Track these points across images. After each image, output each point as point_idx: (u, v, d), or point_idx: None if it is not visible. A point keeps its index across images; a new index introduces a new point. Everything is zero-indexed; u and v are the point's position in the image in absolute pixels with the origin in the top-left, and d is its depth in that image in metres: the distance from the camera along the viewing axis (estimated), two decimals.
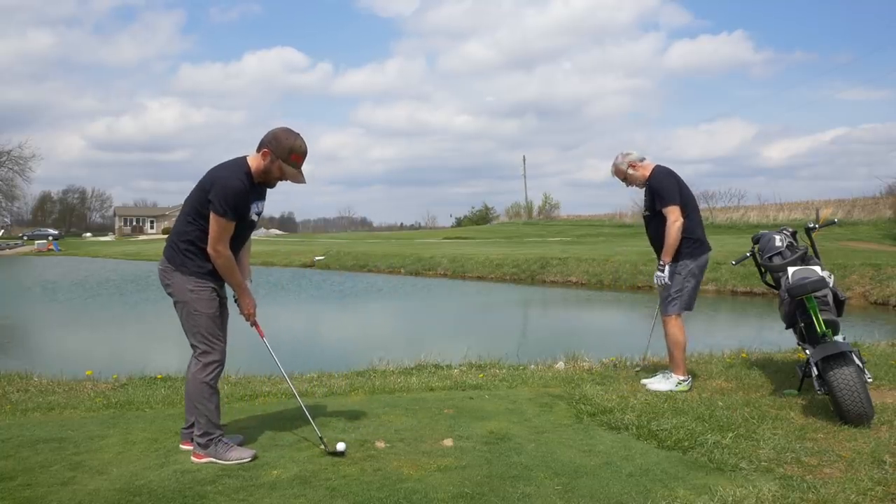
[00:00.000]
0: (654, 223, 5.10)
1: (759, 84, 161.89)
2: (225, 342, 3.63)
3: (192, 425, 3.57)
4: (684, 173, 5.14)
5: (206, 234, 3.43)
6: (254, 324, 3.74)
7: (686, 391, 4.95)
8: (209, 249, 3.43)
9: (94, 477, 3.28)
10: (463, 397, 4.83)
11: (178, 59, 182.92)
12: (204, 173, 3.58)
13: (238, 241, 3.57)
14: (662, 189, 4.99)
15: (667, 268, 4.95)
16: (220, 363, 3.56)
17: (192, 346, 3.55)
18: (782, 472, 3.24)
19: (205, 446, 3.47)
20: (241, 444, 3.66)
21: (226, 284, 3.65)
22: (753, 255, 5.22)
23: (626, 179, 5.21)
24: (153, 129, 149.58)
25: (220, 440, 3.49)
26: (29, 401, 5.11)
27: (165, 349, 11.50)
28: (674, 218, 4.88)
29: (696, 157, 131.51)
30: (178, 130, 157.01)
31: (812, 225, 5.10)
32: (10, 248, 55.61)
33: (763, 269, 5.13)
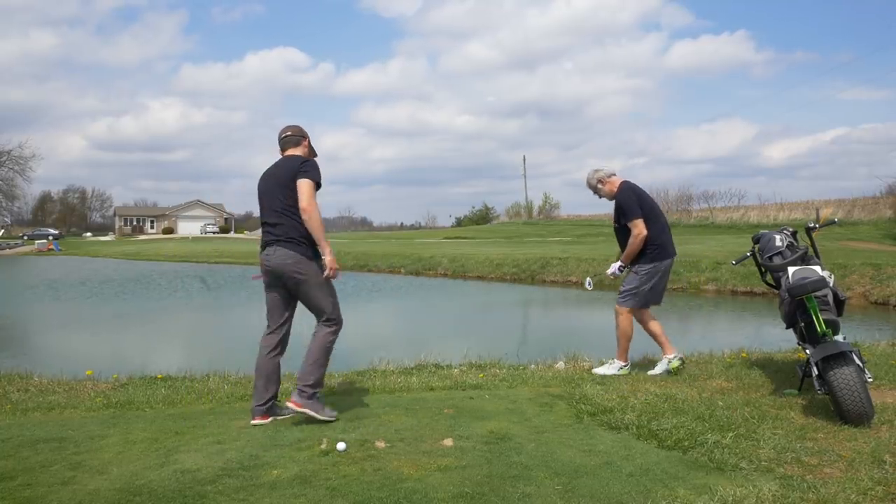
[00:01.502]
0: (622, 234, 5.66)
1: (760, 84, 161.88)
2: None
3: (268, 401, 4.12)
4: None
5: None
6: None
7: (626, 374, 5.58)
8: (308, 209, 4.04)
9: (94, 477, 3.28)
10: (463, 397, 4.83)
11: (180, 59, 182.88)
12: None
13: None
14: (625, 205, 5.55)
15: (616, 265, 5.69)
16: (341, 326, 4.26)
17: (325, 314, 4.18)
18: (782, 472, 3.24)
19: (309, 397, 4.05)
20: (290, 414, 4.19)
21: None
22: (754, 254, 5.22)
23: (597, 193, 5.75)
24: (154, 129, 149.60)
25: (316, 395, 4.09)
26: (29, 400, 5.12)
27: (166, 349, 11.50)
28: (637, 231, 5.46)
29: (697, 156, 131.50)
30: (179, 130, 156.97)
31: (812, 225, 5.10)
32: (10, 248, 55.63)
33: (763, 269, 5.13)
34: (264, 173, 4.35)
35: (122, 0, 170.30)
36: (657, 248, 5.54)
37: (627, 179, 5.68)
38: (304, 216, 4.03)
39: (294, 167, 4.12)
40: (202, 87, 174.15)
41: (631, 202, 5.51)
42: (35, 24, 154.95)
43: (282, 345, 4.24)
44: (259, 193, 4.31)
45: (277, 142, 4.38)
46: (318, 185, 4.12)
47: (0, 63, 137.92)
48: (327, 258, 4.13)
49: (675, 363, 5.60)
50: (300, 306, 4.30)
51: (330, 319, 4.17)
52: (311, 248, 4.12)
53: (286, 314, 4.23)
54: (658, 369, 5.64)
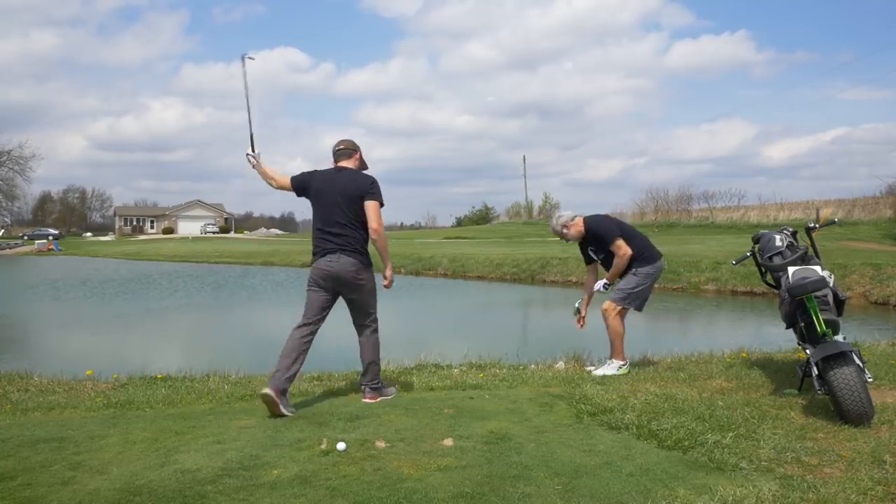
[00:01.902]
0: (608, 260, 5.78)
1: (761, 84, 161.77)
2: None
3: (289, 378, 4.42)
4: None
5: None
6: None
7: (627, 374, 5.58)
8: (379, 229, 4.59)
9: (94, 476, 3.28)
10: (463, 397, 4.83)
11: (181, 59, 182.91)
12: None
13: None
14: (602, 232, 5.75)
15: (602, 282, 5.82)
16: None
17: (370, 317, 4.78)
18: (782, 472, 3.24)
19: (377, 390, 4.72)
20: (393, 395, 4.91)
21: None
22: (754, 254, 5.22)
23: (565, 238, 5.91)
24: (155, 129, 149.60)
25: (381, 384, 4.81)
26: (29, 400, 5.11)
27: (166, 349, 11.51)
28: (623, 251, 5.62)
29: (697, 156, 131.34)
30: (179, 130, 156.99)
31: (812, 225, 5.10)
32: (10, 248, 55.63)
33: (763, 269, 5.13)
34: (323, 176, 4.69)
35: (123, 0, 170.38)
36: (646, 253, 5.75)
37: (586, 215, 5.94)
38: (374, 235, 4.57)
39: (364, 186, 4.57)
40: (203, 87, 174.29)
41: (605, 226, 5.77)
42: (36, 24, 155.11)
43: (312, 335, 4.61)
44: (317, 198, 4.65)
45: (332, 153, 4.81)
46: (382, 205, 4.63)
47: (1, 63, 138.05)
48: (388, 272, 4.76)
49: (624, 370, 5.70)
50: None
51: (376, 324, 4.82)
52: (368, 258, 4.66)
53: (324, 313, 4.65)
54: (608, 371, 5.66)
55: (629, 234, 5.78)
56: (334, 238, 4.53)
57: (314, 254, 4.64)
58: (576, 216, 5.86)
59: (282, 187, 4.82)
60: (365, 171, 4.78)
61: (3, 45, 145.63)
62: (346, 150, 4.76)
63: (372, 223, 4.54)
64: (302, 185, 4.73)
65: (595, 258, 5.91)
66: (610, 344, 5.77)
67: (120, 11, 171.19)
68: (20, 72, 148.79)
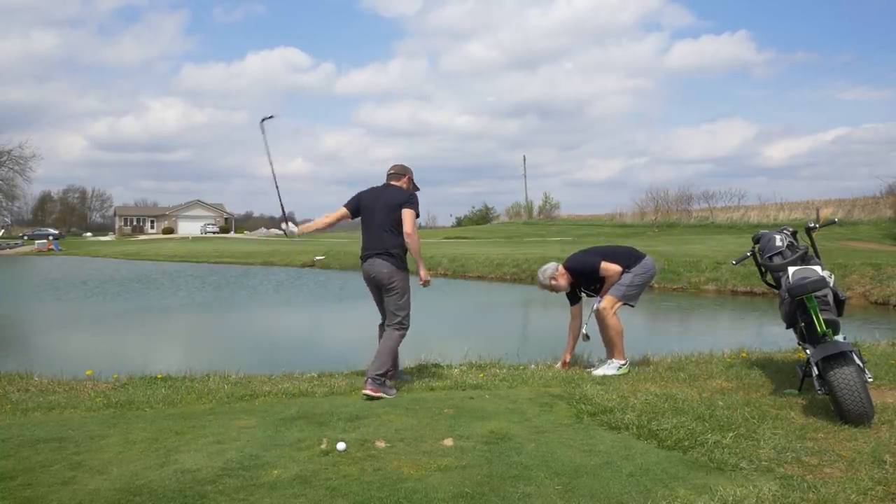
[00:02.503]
0: (600, 290, 5.83)
1: (761, 84, 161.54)
2: None
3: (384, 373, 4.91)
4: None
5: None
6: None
7: (627, 373, 5.59)
8: (412, 233, 5.08)
9: (94, 476, 3.28)
10: (463, 397, 4.83)
11: (181, 59, 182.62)
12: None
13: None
14: (587, 266, 5.80)
15: (584, 332, 5.89)
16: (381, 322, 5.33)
17: (399, 318, 5.10)
18: (783, 472, 3.24)
19: (377, 384, 4.80)
20: (408, 381, 5.40)
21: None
22: (754, 254, 5.22)
23: (555, 290, 5.90)
24: (155, 129, 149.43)
25: (385, 381, 4.91)
26: (29, 400, 5.11)
27: (166, 349, 11.51)
28: (612, 270, 5.67)
29: (697, 156, 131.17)
30: (179, 130, 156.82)
31: (812, 224, 5.10)
32: (10, 248, 55.62)
33: (763, 269, 5.13)
34: (370, 193, 5.32)
35: (124, 0, 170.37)
36: (637, 255, 5.82)
37: (557, 261, 6.07)
38: (408, 239, 5.06)
39: (403, 198, 5.14)
40: (203, 87, 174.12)
41: (586, 260, 5.86)
42: (37, 24, 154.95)
43: None
44: (364, 210, 5.28)
45: (386, 175, 5.40)
46: (417, 215, 5.15)
47: (1, 63, 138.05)
48: (423, 272, 5.21)
49: (625, 370, 5.69)
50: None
51: (402, 324, 5.10)
52: (402, 261, 5.10)
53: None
54: (609, 371, 5.62)
55: (609, 253, 5.86)
56: (374, 243, 5.14)
57: (360, 258, 5.28)
58: (558, 266, 5.91)
59: (342, 219, 5.44)
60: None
61: (4, 45, 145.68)
62: (397, 173, 5.33)
63: (406, 227, 5.05)
64: (355, 206, 5.34)
65: (588, 294, 5.95)
66: (608, 343, 5.74)
67: (120, 11, 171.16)
68: (21, 72, 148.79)
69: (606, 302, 5.68)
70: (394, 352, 5.08)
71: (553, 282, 5.85)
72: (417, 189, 5.39)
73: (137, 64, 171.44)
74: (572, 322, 5.98)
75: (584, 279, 5.87)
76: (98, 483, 3.19)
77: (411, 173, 5.39)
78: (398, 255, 5.09)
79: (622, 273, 5.68)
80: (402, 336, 5.15)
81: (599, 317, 5.73)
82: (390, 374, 5.04)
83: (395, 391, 4.99)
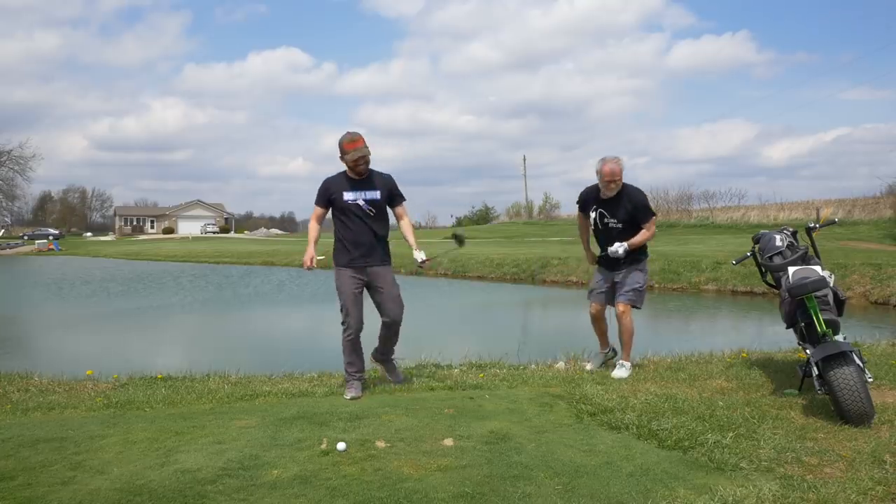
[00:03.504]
0: (620, 235, 5.43)
1: (762, 84, 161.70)
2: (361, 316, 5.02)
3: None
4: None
5: (337, 232, 4.99)
6: (422, 265, 5.30)
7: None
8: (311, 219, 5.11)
9: (94, 476, 3.28)
10: (463, 397, 4.83)
11: (183, 59, 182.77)
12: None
13: (353, 220, 4.92)
14: (645, 204, 5.47)
15: (623, 246, 5.37)
16: (351, 331, 4.95)
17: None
18: (783, 472, 3.24)
19: (346, 381, 4.97)
20: (400, 381, 5.31)
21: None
22: (754, 254, 5.22)
23: (614, 177, 5.35)
24: (156, 129, 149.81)
25: (347, 381, 4.97)
26: (29, 400, 5.11)
27: (166, 349, 11.51)
28: (653, 231, 5.47)
29: (698, 156, 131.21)
30: (180, 130, 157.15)
31: (812, 224, 5.10)
32: (10, 248, 55.62)
33: (763, 269, 5.13)
34: None
35: (126, 0, 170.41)
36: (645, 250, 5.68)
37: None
38: None
39: None
40: (204, 88, 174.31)
41: (645, 201, 5.50)
42: (39, 24, 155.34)
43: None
44: None
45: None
46: (321, 201, 5.02)
47: (4, 63, 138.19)
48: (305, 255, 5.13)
49: (611, 355, 5.87)
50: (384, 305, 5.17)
51: (342, 321, 4.98)
52: (335, 253, 5.04)
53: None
54: (624, 374, 5.47)
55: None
56: None
57: None
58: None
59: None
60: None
61: (7, 45, 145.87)
62: None
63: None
64: None
65: (599, 224, 5.51)
66: (624, 345, 5.61)
67: (122, 12, 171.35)
68: (23, 72, 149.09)
69: (625, 307, 5.47)
70: (343, 351, 5.00)
71: (619, 166, 5.31)
72: (348, 151, 4.82)
73: (139, 64, 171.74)
74: (583, 234, 5.85)
75: (627, 208, 5.39)
76: (98, 483, 3.19)
77: (339, 150, 4.91)
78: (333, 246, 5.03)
79: (642, 263, 5.50)
80: (344, 334, 4.99)
81: (622, 319, 5.53)
82: (346, 376, 5.06)
83: (348, 393, 4.87)
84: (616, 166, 5.32)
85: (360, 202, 4.90)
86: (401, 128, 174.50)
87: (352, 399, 4.76)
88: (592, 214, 5.55)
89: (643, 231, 5.44)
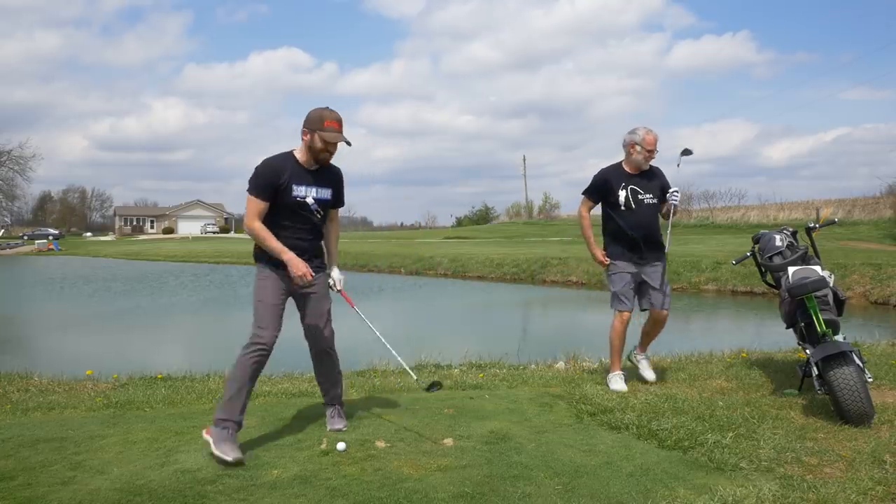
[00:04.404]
0: (656, 213, 5.07)
1: (762, 84, 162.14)
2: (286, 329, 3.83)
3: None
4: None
5: (271, 227, 3.69)
6: (340, 292, 4.00)
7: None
8: (244, 228, 3.75)
9: (94, 476, 3.28)
10: (463, 397, 4.83)
11: (184, 59, 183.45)
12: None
13: (296, 222, 3.74)
14: (665, 183, 5.12)
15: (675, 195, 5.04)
16: (264, 348, 3.65)
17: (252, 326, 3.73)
18: (783, 472, 3.24)
19: (215, 424, 3.55)
20: (340, 430, 3.95)
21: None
22: (754, 254, 5.22)
23: (653, 153, 5.00)
24: (157, 129, 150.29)
25: (224, 427, 3.51)
26: (29, 400, 5.11)
27: (166, 349, 11.51)
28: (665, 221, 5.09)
29: (698, 156, 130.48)
30: (181, 130, 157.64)
31: (812, 224, 5.09)
32: (10, 248, 55.61)
33: (763, 269, 5.13)
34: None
35: (128, 1, 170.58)
36: None
37: None
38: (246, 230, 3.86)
39: None
40: (205, 88, 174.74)
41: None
42: (40, 24, 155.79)
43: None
44: None
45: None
46: (253, 194, 3.67)
47: (5, 63, 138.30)
48: (289, 267, 3.74)
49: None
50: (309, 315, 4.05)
51: (251, 335, 3.70)
52: (260, 251, 3.79)
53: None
54: (651, 374, 5.24)
55: None
56: None
57: None
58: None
59: None
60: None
61: (8, 45, 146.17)
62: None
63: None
64: None
65: (632, 203, 4.96)
66: (647, 344, 5.35)
67: (123, 12, 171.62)
68: (24, 72, 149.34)
69: (666, 312, 5.11)
70: (234, 376, 3.63)
71: (656, 138, 5.00)
72: (333, 130, 3.70)
73: (140, 64, 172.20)
74: (588, 229, 5.27)
75: (662, 182, 5.10)
76: (98, 483, 3.19)
77: (308, 122, 3.74)
78: (255, 245, 3.80)
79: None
80: (248, 353, 3.62)
81: (662, 322, 5.15)
82: (225, 421, 3.54)
83: (228, 454, 3.40)
84: (656, 135, 5.00)
85: (310, 200, 3.74)
86: (401, 128, 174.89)
87: (235, 461, 3.38)
88: (621, 194, 4.98)
89: (670, 215, 5.10)
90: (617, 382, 5.02)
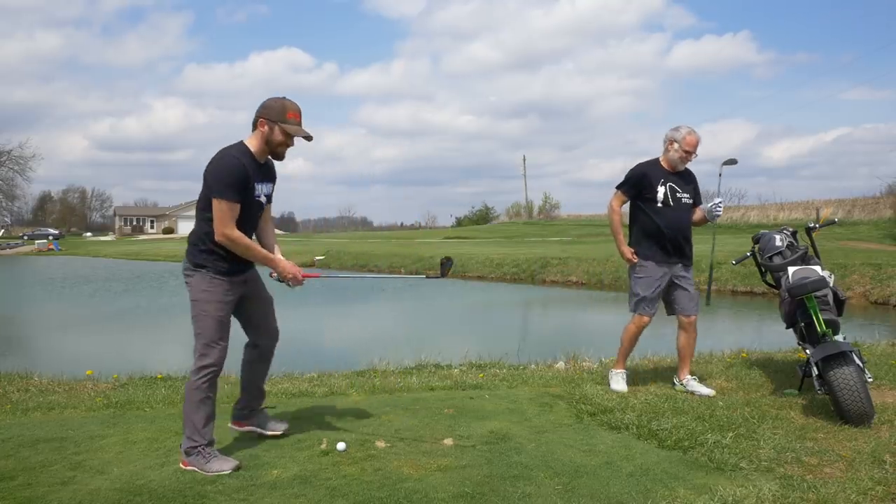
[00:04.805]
0: (688, 212, 4.97)
1: (762, 84, 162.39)
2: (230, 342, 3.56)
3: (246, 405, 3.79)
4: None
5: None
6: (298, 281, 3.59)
7: None
8: (217, 238, 3.31)
9: (94, 476, 3.28)
10: (463, 397, 4.83)
11: (184, 59, 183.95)
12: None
13: (248, 225, 3.47)
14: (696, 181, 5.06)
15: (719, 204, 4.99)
16: (215, 369, 3.42)
17: (194, 347, 3.45)
18: (782, 472, 3.24)
19: (188, 454, 3.35)
20: (285, 433, 3.81)
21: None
22: (754, 254, 5.22)
23: (691, 155, 4.89)
24: (157, 129, 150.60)
25: (202, 450, 3.33)
26: (29, 400, 5.11)
27: (166, 349, 11.50)
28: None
29: (698, 156, 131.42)
30: (181, 130, 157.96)
31: (812, 224, 5.09)
32: (10, 248, 55.61)
33: (763, 269, 5.13)
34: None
35: (128, 1, 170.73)
36: None
37: None
38: (220, 241, 3.40)
39: (206, 175, 3.43)
40: (206, 88, 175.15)
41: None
42: (41, 24, 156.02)
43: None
44: None
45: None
46: (224, 200, 3.32)
47: (5, 63, 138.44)
48: (279, 269, 3.56)
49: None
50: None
51: (199, 355, 3.45)
52: (209, 258, 3.42)
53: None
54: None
55: None
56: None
57: None
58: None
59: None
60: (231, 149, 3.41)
61: (9, 45, 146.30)
62: (253, 120, 3.46)
63: (215, 225, 3.33)
64: None
65: (670, 201, 4.82)
66: (689, 357, 5.04)
67: (124, 12, 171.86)
68: (24, 72, 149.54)
69: (695, 318, 5.07)
70: (192, 403, 3.40)
71: (698, 140, 4.87)
72: (295, 123, 3.40)
73: (140, 64, 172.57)
74: (618, 225, 5.03)
75: (695, 184, 5.03)
76: (98, 483, 3.19)
77: (268, 111, 3.39)
78: (201, 248, 3.41)
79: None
80: (203, 377, 3.41)
81: (691, 324, 5.01)
82: (201, 444, 3.35)
83: (224, 465, 3.32)
84: (699, 137, 4.88)
85: (262, 198, 3.52)
86: (401, 128, 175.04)
87: (235, 469, 3.31)
88: (660, 190, 4.82)
89: (697, 210, 5.01)
90: (618, 382, 4.94)
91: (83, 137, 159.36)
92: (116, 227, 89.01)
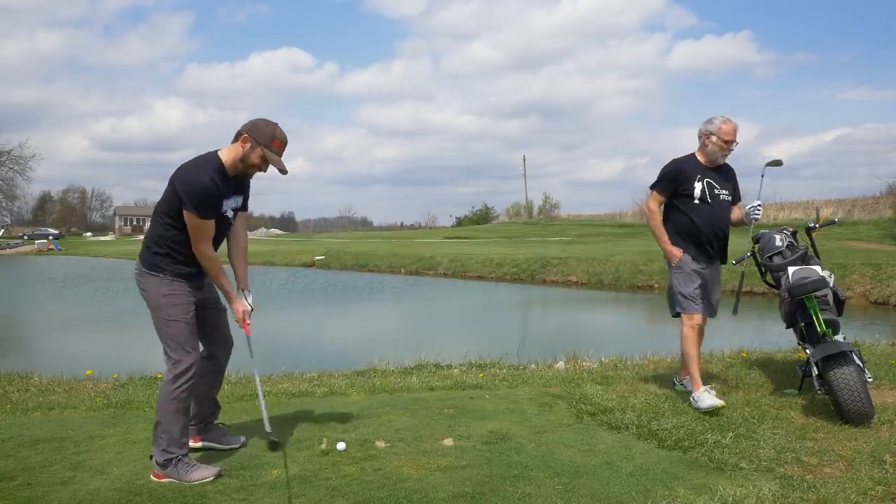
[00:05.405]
0: (727, 210, 4.69)
1: (763, 84, 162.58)
2: (207, 348, 3.55)
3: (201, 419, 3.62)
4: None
5: (182, 234, 3.29)
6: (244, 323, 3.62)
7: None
8: (195, 252, 3.31)
9: (94, 476, 3.28)
10: (463, 397, 4.83)
11: (185, 59, 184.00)
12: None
13: (214, 241, 3.41)
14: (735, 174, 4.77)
15: (757, 209, 4.65)
16: (193, 377, 3.32)
17: (165, 354, 3.36)
18: (782, 472, 3.24)
19: (163, 466, 3.22)
20: (243, 445, 3.69)
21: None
22: (754, 254, 5.22)
23: (731, 145, 4.57)
24: (158, 129, 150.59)
25: (180, 460, 3.23)
26: (29, 400, 5.11)
27: None
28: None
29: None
30: (182, 130, 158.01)
31: (812, 224, 5.09)
32: (10, 248, 55.60)
33: (763, 269, 5.13)
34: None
35: (130, 1, 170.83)
36: None
37: None
38: (197, 256, 3.41)
39: (177, 183, 3.32)
40: (206, 88, 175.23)
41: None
42: (42, 24, 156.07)
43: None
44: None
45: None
46: (199, 216, 3.28)
47: (7, 63, 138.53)
48: (232, 306, 3.59)
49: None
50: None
51: (171, 361, 3.36)
52: (166, 261, 3.37)
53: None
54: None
55: None
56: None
57: None
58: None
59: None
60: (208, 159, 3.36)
61: (9, 45, 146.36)
62: (238, 131, 3.40)
63: (191, 239, 3.31)
64: None
65: (708, 197, 4.54)
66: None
67: (126, 12, 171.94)
68: (25, 72, 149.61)
69: (711, 316, 4.84)
70: (169, 413, 3.28)
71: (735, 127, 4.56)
72: (278, 153, 3.37)
73: (142, 64, 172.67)
74: (658, 219, 4.70)
75: (734, 181, 4.75)
76: (98, 483, 3.19)
77: (256, 132, 3.33)
78: (156, 251, 3.36)
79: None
80: (182, 385, 3.29)
81: (703, 327, 4.71)
82: (178, 455, 3.25)
83: (206, 472, 3.24)
84: (735, 124, 4.55)
85: (229, 213, 3.45)
86: (402, 128, 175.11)
87: (218, 476, 3.24)
88: (698, 186, 4.53)
89: (735, 209, 4.72)
90: (708, 399, 4.23)
91: (84, 137, 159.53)
92: (116, 227, 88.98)
